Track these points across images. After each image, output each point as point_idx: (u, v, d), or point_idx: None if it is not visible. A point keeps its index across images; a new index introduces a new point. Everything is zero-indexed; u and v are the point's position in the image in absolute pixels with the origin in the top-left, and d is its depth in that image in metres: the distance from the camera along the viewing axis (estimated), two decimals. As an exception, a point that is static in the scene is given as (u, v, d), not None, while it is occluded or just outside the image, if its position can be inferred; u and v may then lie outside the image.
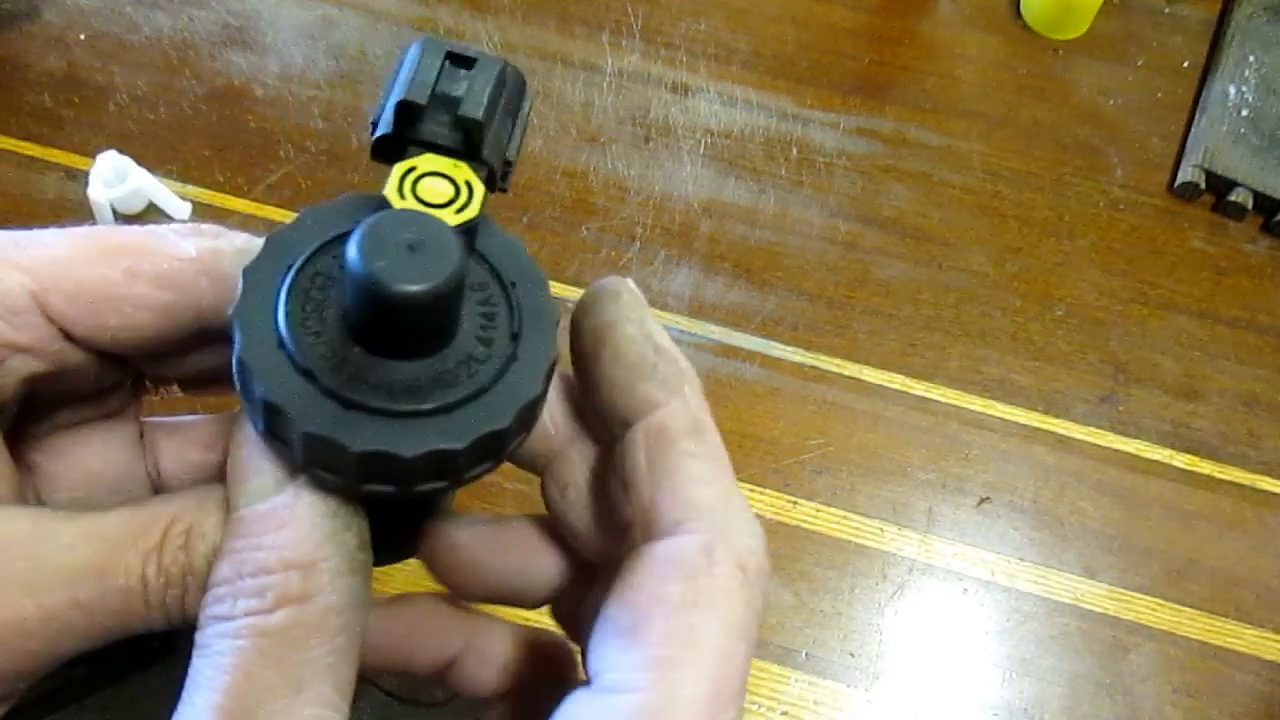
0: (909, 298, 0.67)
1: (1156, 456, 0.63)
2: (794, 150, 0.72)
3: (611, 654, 0.21)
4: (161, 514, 0.23)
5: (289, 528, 0.22)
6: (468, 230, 0.24)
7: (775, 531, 0.59)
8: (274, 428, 0.22)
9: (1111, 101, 0.77)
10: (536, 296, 0.25)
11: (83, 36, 0.71)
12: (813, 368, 0.64)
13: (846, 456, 0.61)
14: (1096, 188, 0.73)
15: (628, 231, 0.68)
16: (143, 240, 0.24)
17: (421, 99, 0.24)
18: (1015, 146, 0.74)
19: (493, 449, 0.23)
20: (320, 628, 0.21)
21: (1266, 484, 0.63)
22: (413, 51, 0.25)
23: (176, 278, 0.24)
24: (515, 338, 0.24)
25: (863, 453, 0.62)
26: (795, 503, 0.60)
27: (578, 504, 0.27)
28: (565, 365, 0.26)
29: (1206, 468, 0.63)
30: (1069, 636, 0.58)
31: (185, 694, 0.21)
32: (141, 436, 0.29)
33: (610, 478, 0.25)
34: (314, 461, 0.22)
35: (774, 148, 0.72)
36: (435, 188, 0.24)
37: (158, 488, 0.30)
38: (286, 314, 0.23)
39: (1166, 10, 0.81)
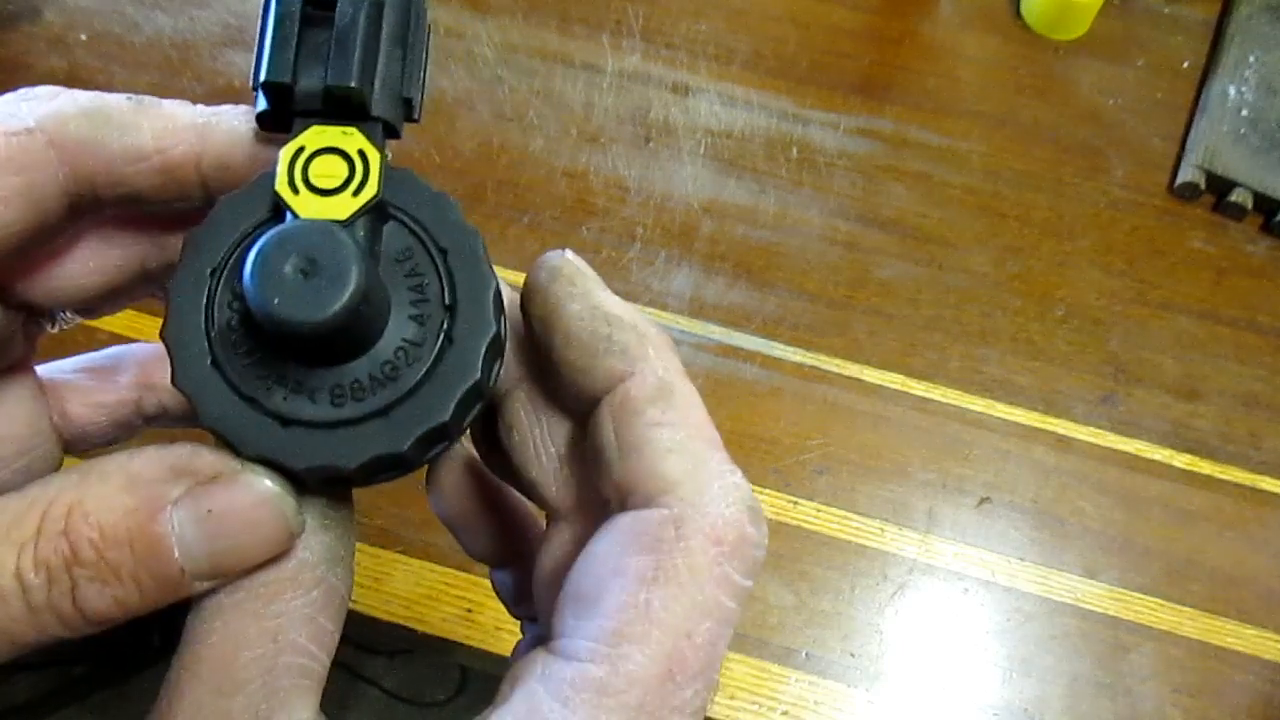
0: (909, 298, 0.67)
1: (1156, 456, 0.63)
2: (794, 150, 0.72)
3: (569, 619, 0.21)
4: (37, 499, 0.20)
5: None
6: (373, 208, 0.22)
7: (776, 531, 0.59)
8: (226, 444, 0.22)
9: (1111, 101, 0.77)
10: (470, 262, 0.23)
11: (84, 37, 0.71)
12: (813, 368, 0.64)
13: (847, 456, 0.61)
14: (1096, 188, 0.73)
15: (628, 232, 0.68)
16: None
17: (285, 76, 0.22)
18: (1015, 146, 0.74)
19: (438, 438, 0.22)
20: (294, 582, 0.22)
21: (1266, 484, 0.63)
22: (271, 2, 0.23)
23: (21, 157, 0.22)
24: (450, 310, 0.23)
25: (863, 453, 0.62)
26: (795, 503, 0.60)
27: (521, 447, 0.26)
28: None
29: (1206, 468, 0.63)
30: (1069, 636, 0.58)
31: (177, 651, 0.21)
32: (42, 389, 0.28)
33: (587, 453, 0.24)
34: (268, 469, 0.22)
35: (774, 148, 0.72)
36: (327, 169, 0.22)
37: (71, 442, 0.29)
38: (217, 333, 0.22)
39: (1166, 10, 0.81)
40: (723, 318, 0.65)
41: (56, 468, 0.29)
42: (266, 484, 0.21)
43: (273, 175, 0.23)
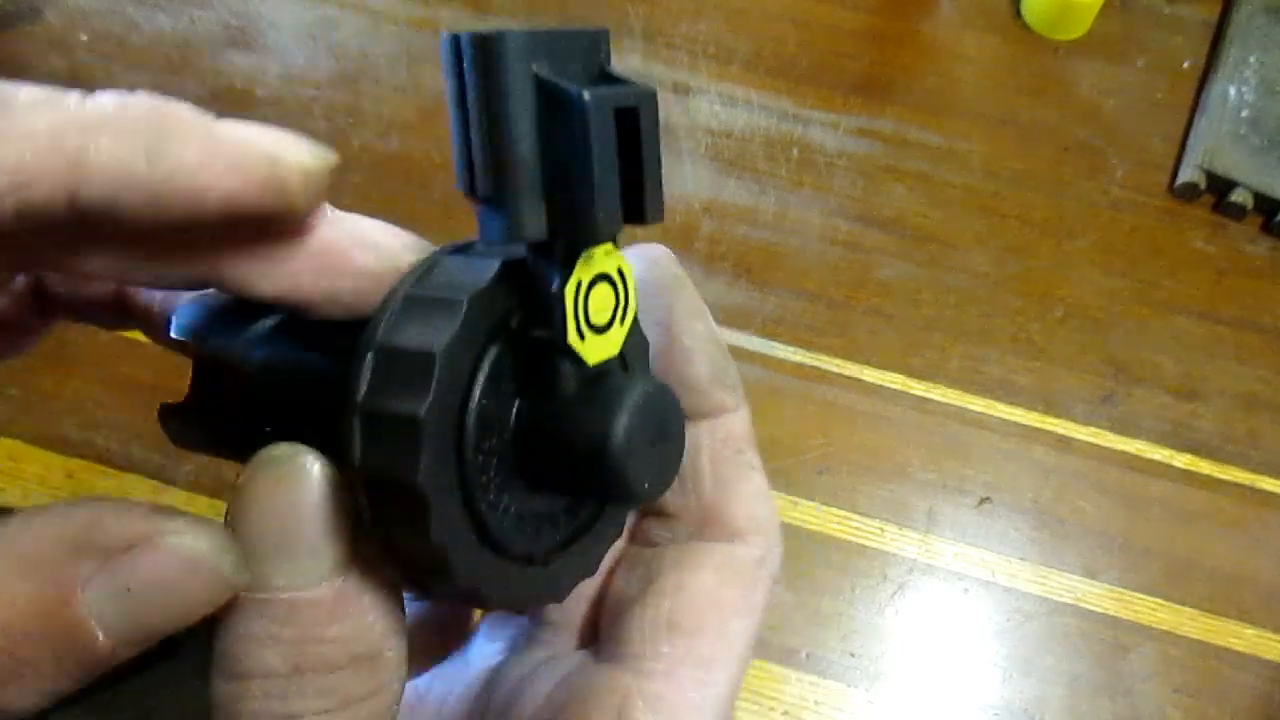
0: (909, 298, 0.67)
1: (1156, 456, 0.63)
2: (794, 150, 0.72)
3: (662, 647, 0.22)
4: (90, 514, 0.17)
5: (352, 618, 0.19)
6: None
7: (775, 531, 0.59)
8: (423, 579, 0.19)
9: (1111, 101, 0.77)
10: (639, 352, 0.23)
11: (84, 37, 0.71)
12: (813, 368, 0.64)
13: (847, 456, 0.61)
14: (1096, 188, 0.73)
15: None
16: None
17: (617, 222, 0.19)
18: (1015, 146, 0.74)
19: None
20: (382, 718, 0.20)
21: (1266, 484, 0.63)
22: (585, 118, 0.17)
23: (24, 165, 0.16)
24: None
25: (863, 453, 0.62)
26: (795, 503, 0.60)
27: None
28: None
29: (1206, 468, 0.63)
30: (1069, 636, 0.58)
31: None
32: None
33: None
34: (445, 597, 0.20)
35: (774, 148, 0.72)
36: (602, 302, 0.19)
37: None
38: (477, 486, 0.19)
39: (1166, 10, 0.81)
40: (723, 318, 0.65)
41: None
42: (192, 544, 0.17)
43: (504, 265, 0.19)
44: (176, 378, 0.31)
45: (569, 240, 0.19)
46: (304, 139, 0.19)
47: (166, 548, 0.17)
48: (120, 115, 0.17)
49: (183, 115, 0.18)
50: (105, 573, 0.17)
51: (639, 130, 0.18)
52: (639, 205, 0.19)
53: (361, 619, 0.18)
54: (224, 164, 0.17)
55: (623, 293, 0.20)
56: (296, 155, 0.18)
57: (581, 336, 0.19)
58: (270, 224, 0.19)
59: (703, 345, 0.24)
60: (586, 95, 0.17)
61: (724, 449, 0.24)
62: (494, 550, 0.19)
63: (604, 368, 0.20)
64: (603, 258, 0.19)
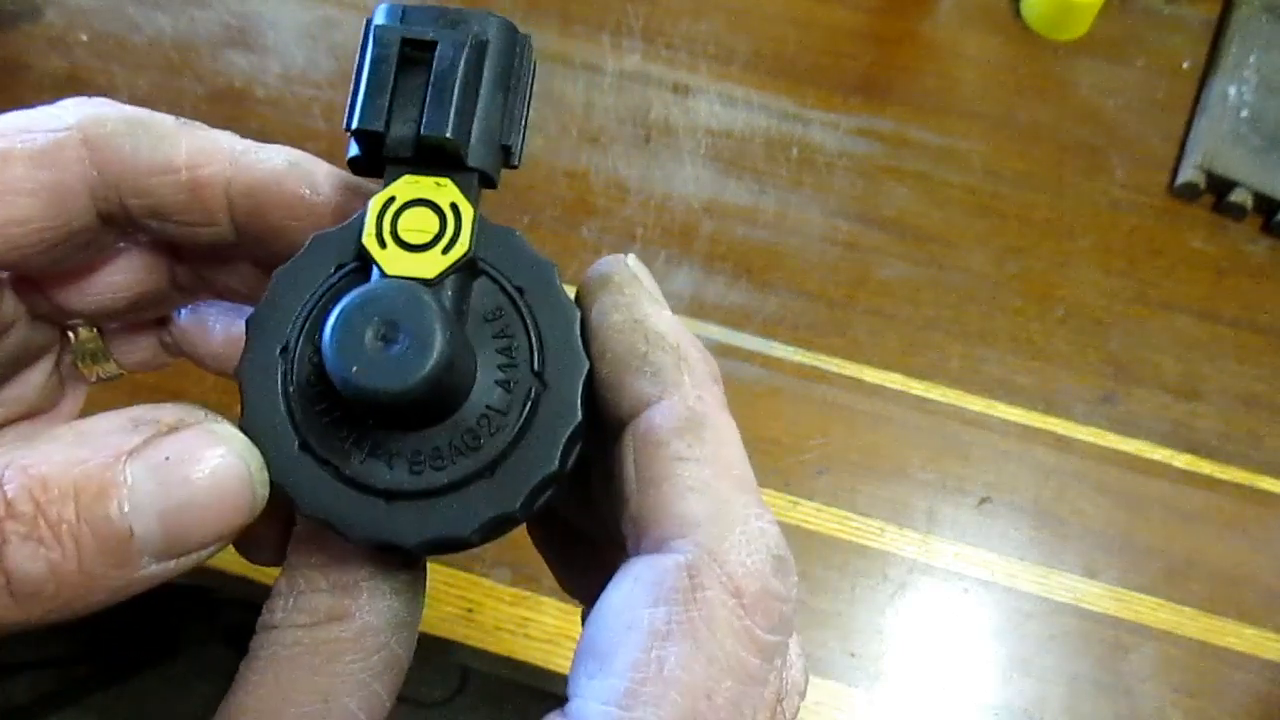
0: (909, 298, 0.67)
1: (1156, 456, 0.63)
2: (794, 150, 0.72)
3: (581, 678, 0.19)
4: (152, 405, 0.20)
5: (329, 550, 0.21)
6: (463, 265, 0.21)
7: (775, 531, 0.59)
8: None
9: (1111, 101, 0.77)
10: (564, 333, 0.22)
11: (84, 37, 0.71)
12: (813, 368, 0.64)
13: (847, 456, 0.61)
14: (1096, 188, 0.73)
15: (628, 232, 0.68)
16: (12, 119, 0.22)
17: (377, 124, 0.21)
18: (1015, 146, 0.74)
19: (505, 525, 0.21)
20: (355, 645, 0.21)
21: (1266, 484, 0.63)
22: (369, 41, 0.21)
23: (55, 152, 0.22)
24: (539, 376, 0.21)
25: (863, 453, 0.62)
26: (795, 503, 0.60)
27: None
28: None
29: (1206, 468, 0.63)
30: (1069, 636, 0.58)
31: (228, 692, 0.21)
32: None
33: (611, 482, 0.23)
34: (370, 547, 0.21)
35: (774, 148, 0.72)
36: (417, 223, 0.21)
37: None
38: (303, 421, 0.21)
39: (1166, 10, 0.81)
40: (723, 318, 0.65)
41: None
42: (230, 431, 0.20)
43: (324, 235, 0.22)
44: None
45: (375, 157, 0.22)
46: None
47: (208, 429, 0.20)
48: (275, 146, 0.24)
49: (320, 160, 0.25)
50: (149, 444, 0.19)
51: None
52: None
53: (335, 550, 0.21)
54: (348, 183, 0.24)
55: (451, 226, 0.21)
56: None
57: (382, 245, 0.21)
58: None
59: (613, 338, 0.22)
60: (373, 21, 0.21)
61: (644, 448, 0.21)
62: (348, 484, 0.21)
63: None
64: (431, 187, 0.21)
